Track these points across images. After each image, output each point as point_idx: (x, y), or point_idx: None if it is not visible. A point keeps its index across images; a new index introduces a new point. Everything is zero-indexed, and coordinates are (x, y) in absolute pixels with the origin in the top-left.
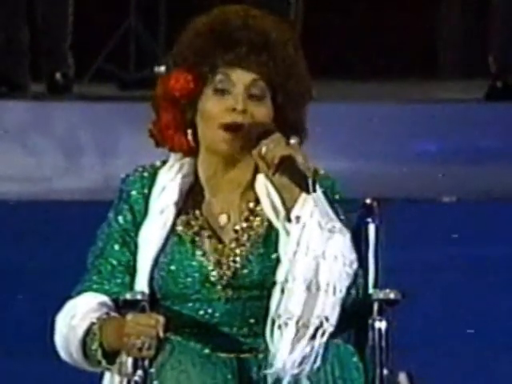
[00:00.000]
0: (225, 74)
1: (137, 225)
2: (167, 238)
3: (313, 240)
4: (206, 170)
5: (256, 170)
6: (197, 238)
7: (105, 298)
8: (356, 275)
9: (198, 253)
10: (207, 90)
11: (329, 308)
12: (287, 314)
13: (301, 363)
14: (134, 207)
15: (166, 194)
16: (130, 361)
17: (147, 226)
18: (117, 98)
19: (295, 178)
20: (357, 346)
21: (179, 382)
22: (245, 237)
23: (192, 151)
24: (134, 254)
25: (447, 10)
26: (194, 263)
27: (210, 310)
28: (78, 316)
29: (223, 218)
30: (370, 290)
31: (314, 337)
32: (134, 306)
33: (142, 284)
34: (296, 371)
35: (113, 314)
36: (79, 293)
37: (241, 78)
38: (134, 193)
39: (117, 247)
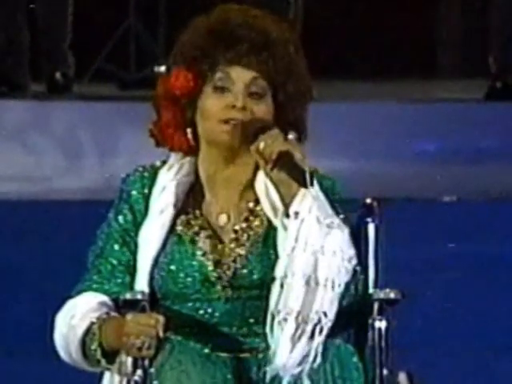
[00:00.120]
0: (225, 72)
1: (137, 225)
2: (167, 238)
3: (311, 235)
4: (206, 168)
5: (256, 169)
6: (197, 238)
7: (105, 298)
8: (355, 271)
9: (198, 253)
10: (207, 88)
11: (327, 303)
12: (287, 309)
13: (301, 363)
14: (135, 207)
15: (167, 193)
16: (129, 360)
17: (147, 225)
18: (117, 98)
19: (293, 173)
20: (357, 346)
21: (179, 382)
22: (244, 237)
23: (192, 150)
24: (134, 253)
25: (447, 10)
26: (193, 263)
27: (209, 310)
28: (77, 316)
29: (223, 218)
30: (370, 290)
31: (312, 335)
32: (133, 305)
33: (141, 284)
34: (296, 370)
35: (113, 313)
36: (79, 292)
37: (241, 75)
38: (134, 193)
39: (117, 247)
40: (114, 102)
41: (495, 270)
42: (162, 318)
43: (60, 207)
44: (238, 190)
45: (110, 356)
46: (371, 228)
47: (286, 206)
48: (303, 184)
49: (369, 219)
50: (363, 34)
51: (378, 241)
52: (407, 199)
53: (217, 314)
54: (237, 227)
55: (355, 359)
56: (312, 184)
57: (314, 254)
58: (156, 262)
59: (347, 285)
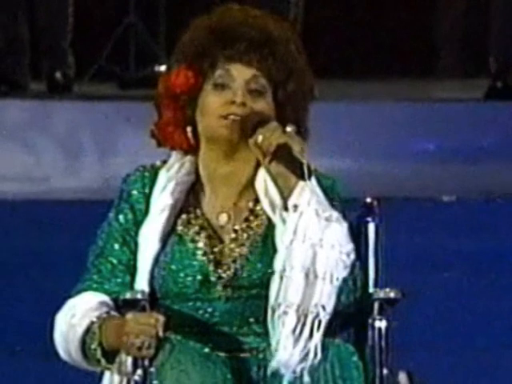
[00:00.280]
0: (225, 69)
1: (137, 224)
2: (168, 238)
3: (310, 228)
4: (206, 166)
5: (257, 168)
6: (197, 238)
7: (105, 298)
8: (353, 266)
9: (199, 252)
10: (207, 85)
11: (326, 297)
12: (287, 302)
13: (301, 361)
14: (135, 206)
15: (167, 193)
16: (129, 360)
17: (148, 225)
18: (117, 98)
19: (291, 165)
20: (357, 346)
21: (179, 382)
22: (244, 237)
23: (192, 149)
24: (135, 253)
25: (447, 10)
26: (194, 263)
27: (209, 310)
28: (77, 315)
29: (223, 217)
30: (370, 289)
31: (311, 330)
32: (134, 305)
33: (142, 283)
34: (298, 368)
35: (113, 313)
36: (79, 292)
37: (241, 73)
38: (134, 192)
39: (117, 246)
40: (114, 102)
41: (495, 269)
42: (161, 318)
43: (60, 207)
44: (238, 189)
45: (110, 355)
46: (371, 227)
47: (285, 198)
48: (302, 177)
49: (369, 218)
50: (363, 34)
51: (377, 240)
52: (407, 199)
53: (217, 314)
54: (237, 227)
55: (355, 359)
56: (310, 177)
57: (313, 247)
58: (156, 262)
59: (345, 280)
